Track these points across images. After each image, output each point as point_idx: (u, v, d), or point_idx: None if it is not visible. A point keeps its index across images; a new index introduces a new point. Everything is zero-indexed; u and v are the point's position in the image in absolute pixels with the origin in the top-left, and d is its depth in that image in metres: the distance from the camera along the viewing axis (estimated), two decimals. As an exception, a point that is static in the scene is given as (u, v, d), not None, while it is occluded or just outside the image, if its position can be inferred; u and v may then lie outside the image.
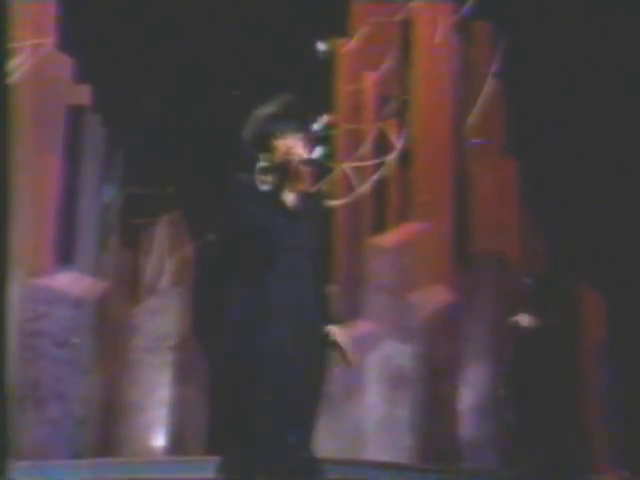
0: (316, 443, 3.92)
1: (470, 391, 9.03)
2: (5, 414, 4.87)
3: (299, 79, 8.10)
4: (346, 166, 9.61)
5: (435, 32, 9.46)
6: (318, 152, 9.36)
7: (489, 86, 9.48)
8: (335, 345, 3.99)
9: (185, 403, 9.43)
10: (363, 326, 9.15)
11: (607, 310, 9.04)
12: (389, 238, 9.40)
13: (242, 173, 4.06)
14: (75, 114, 9.12)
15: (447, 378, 9.01)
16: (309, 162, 4.05)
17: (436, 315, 9.12)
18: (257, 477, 3.82)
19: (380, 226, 9.60)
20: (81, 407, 8.64)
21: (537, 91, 8.97)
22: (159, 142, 9.81)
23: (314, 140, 4.28)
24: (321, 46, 10.04)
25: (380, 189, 9.60)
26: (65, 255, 8.91)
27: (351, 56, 9.83)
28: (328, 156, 9.69)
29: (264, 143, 4.01)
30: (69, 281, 8.74)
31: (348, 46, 9.83)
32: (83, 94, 9.22)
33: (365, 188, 9.57)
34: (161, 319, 9.52)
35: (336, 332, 3.99)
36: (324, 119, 9.81)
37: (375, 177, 9.58)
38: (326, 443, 7.17)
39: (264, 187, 3.99)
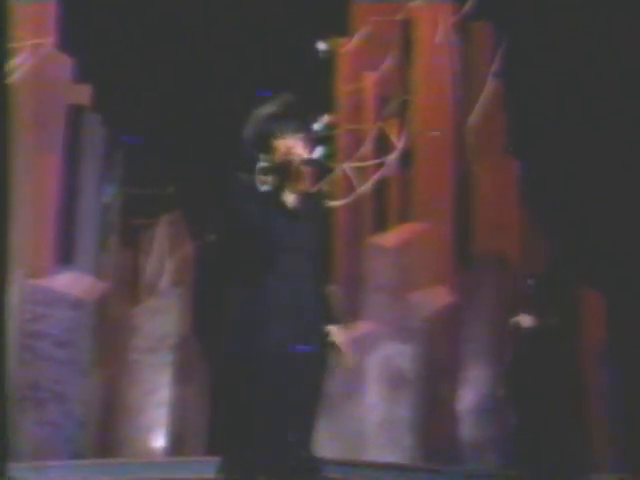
0: (316, 443, 3.92)
1: (470, 391, 9.01)
2: (5, 415, 4.87)
3: (299, 79, 8.08)
4: (346, 166, 9.60)
5: (435, 32, 9.44)
6: (318, 152, 9.34)
7: (490, 86, 9.47)
8: (332, 345, 3.98)
9: (185, 403, 9.41)
10: (363, 326, 9.14)
11: (607, 310, 9.02)
12: (389, 238, 9.39)
13: (242, 173, 4.05)
14: (75, 114, 9.11)
15: (447, 378, 9.00)
16: (309, 162, 4.05)
17: (436, 315, 9.11)
18: (257, 477, 3.83)
19: (380, 226, 9.59)
20: (81, 408, 8.63)
21: (538, 91, 8.95)
22: (159, 142, 9.79)
23: (314, 140, 4.26)
24: (321, 46, 10.02)
25: (380, 189, 9.59)
26: (65, 255, 8.90)
27: (351, 56, 9.82)
28: (328, 156, 9.67)
29: (264, 143, 4.01)
30: (69, 281, 8.73)
31: (348, 46, 9.81)
32: (83, 94, 9.22)
33: (365, 188, 9.56)
34: (161, 319, 9.51)
35: (334, 332, 3.99)
36: (324, 119, 9.79)
37: (375, 177, 9.57)
38: (326, 443, 7.19)
39: (264, 187, 3.99)
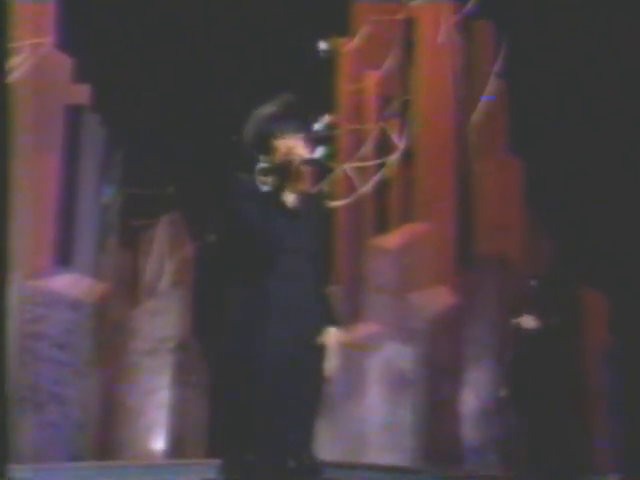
0: (316, 445, 3.90)
1: (472, 393, 8.99)
2: (5, 416, 4.85)
3: (300, 79, 8.06)
4: (347, 166, 9.59)
5: (437, 31, 9.43)
6: (319, 152, 9.32)
7: (492, 85, 9.44)
8: (325, 347, 3.96)
9: (185, 405, 9.39)
10: (364, 327, 9.13)
11: (609, 311, 9.01)
12: (391, 239, 9.38)
13: (242, 173, 4.03)
14: (74, 114, 9.10)
15: (448, 379, 8.98)
16: (310, 162, 4.04)
17: (438, 316, 9.09)
18: (258, 479, 3.79)
19: (382, 227, 9.58)
20: (80, 410, 8.61)
21: (540, 90, 8.93)
22: (159, 142, 9.77)
23: (315, 140, 4.24)
24: (322, 45, 10.01)
25: (382, 189, 9.58)
26: (64, 256, 8.88)
27: (352, 55, 9.81)
28: (329, 156, 9.66)
29: (265, 143, 4.00)
30: (68, 283, 8.71)
31: (349, 45, 9.81)
32: (82, 94, 9.21)
33: (367, 188, 9.55)
34: (161, 321, 9.49)
35: (328, 334, 3.97)
36: (325, 119, 9.78)
37: (377, 177, 9.56)
38: (327, 445, 7.17)
39: (264, 188, 3.97)
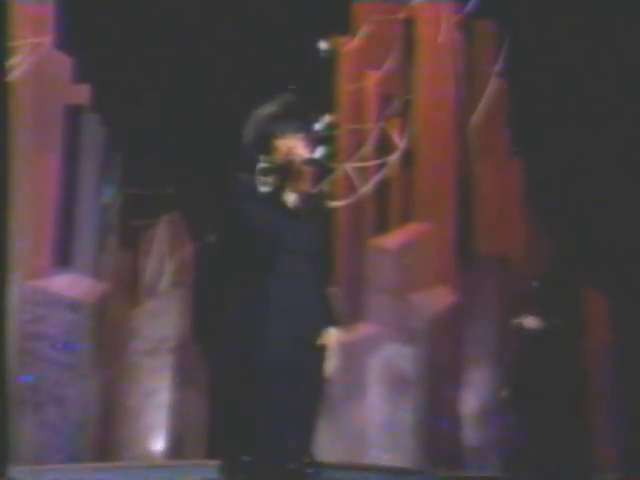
0: (317, 446, 3.90)
1: (473, 393, 8.98)
2: (6, 416, 4.85)
3: (300, 78, 8.04)
4: (348, 166, 9.58)
5: (438, 31, 9.42)
6: (319, 152, 9.31)
7: (493, 85, 9.43)
8: (325, 347, 3.95)
9: (185, 406, 9.38)
10: (365, 328, 9.13)
11: (611, 311, 9.00)
12: (391, 239, 9.37)
13: (242, 174, 4.03)
14: (74, 114, 9.09)
15: (449, 380, 8.97)
16: (311, 162, 4.04)
17: (438, 316, 9.08)
18: (258, 480, 3.79)
19: (382, 227, 9.57)
20: (80, 410, 8.60)
21: (541, 90, 8.92)
22: (159, 142, 9.76)
23: (315, 140, 4.25)
24: (322, 45, 10.00)
25: (382, 190, 9.57)
26: (63, 256, 8.87)
27: (353, 55, 9.80)
28: (330, 156, 9.64)
29: (265, 143, 4.01)
30: (67, 283, 8.70)
31: (350, 45, 9.79)
32: (82, 94, 9.20)
33: (367, 189, 9.54)
34: (161, 321, 9.48)
35: (328, 334, 3.96)
36: (326, 119, 9.77)
37: (377, 177, 9.54)
38: (327, 446, 7.15)
39: (265, 188, 3.97)
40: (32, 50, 8.82)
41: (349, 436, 8.98)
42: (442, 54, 9.47)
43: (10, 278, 6.79)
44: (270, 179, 3.98)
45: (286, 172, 3.97)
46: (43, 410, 8.41)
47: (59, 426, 8.46)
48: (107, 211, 9.54)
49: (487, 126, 9.47)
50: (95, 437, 8.87)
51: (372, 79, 9.73)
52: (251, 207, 3.93)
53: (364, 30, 9.70)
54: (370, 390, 9.05)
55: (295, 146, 3.99)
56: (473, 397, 8.98)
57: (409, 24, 9.68)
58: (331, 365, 3.95)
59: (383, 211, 9.61)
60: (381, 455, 8.82)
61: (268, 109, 4.06)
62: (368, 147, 9.62)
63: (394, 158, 9.53)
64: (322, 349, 3.93)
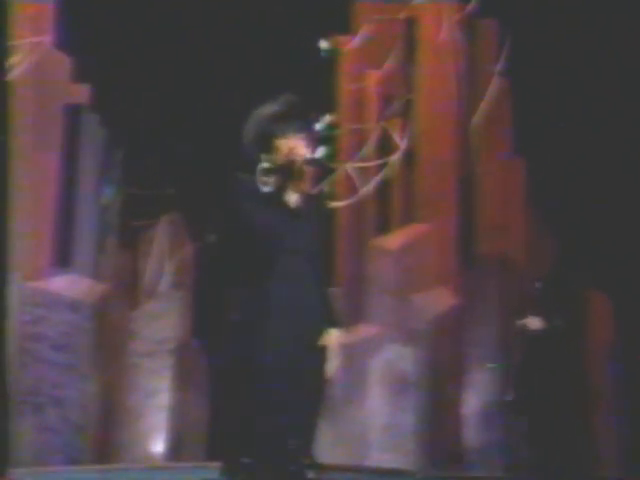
0: (317, 447, 3.89)
1: (474, 394, 8.96)
2: (6, 417, 4.84)
3: (301, 78, 8.03)
4: (349, 166, 9.56)
5: (439, 30, 9.39)
6: (320, 152, 9.29)
7: (494, 85, 9.41)
8: (325, 347, 3.93)
9: (185, 408, 9.37)
10: (366, 329, 9.11)
11: (614, 312, 8.98)
12: (392, 240, 9.35)
13: (243, 174, 4.02)
14: (73, 114, 9.08)
15: (451, 382, 8.95)
16: (312, 162, 4.02)
17: (440, 317, 9.06)
18: (258, 481, 3.77)
19: (383, 227, 9.55)
20: (80, 412, 8.58)
21: (544, 89, 8.90)
22: (159, 142, 9.75)
23: (316, 140, 4.24)
24: (323, 44, 9.98)
25: (383, 190, 9.55)
26: (63, 257, 8.84)
27: (354, 54, 9.78)
28: (330, 156, 9.63)
29: (266, 143, 4.01)
30: (67, 284, 8.68)
31: (351, 44, 9.78)
32: (82, 93, 9.19)
33: (368, 189, 9.52)
34: (161, 322, 9.47)
35: (329, 335, 3.94)
36: (326, 119, 9.75)
37: (378, 178, 9.52)
38: (328, 447, 7.13)
39: (265, 188, 3.95)
40: (32, 50, 8.80)
41: (350, 437, 8.97)
42: (443, 53, 9.44)
43: (10, 278, 6.78)
44: (271, 179, 3.97)
45: (287, 172, 3.96)
46: (42, 411, 8.39)
47: (59, 428, 8.44)
48: (107, 211, 9.52)
49: (488, 126, 9.44)
50: (95, 439, 8.84)
51: (373, 79, 9.71)
52: (251, 207, 3.93)
53: (365, 29, 9.68)
54: (371, 391, 9.04)
55: (296, 146, 3.99)
56: (475, 398, 8.96)
57: (410, 23, 9.66)
58: (332, 366, 3.94)
59: (384, 211, 9.59)
60: (382, 456, 8.80)
61: (269, 109, 4.06)
62: (369, 147, 9.60)
63: (395, 158, 9.51)
64: (323, 350, 3.92)
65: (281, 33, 9.56)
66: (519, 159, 9.38)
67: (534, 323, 7.04)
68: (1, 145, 5.98)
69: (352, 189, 9.56)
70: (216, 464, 3.91)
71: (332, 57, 9.91)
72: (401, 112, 9.58)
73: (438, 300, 9.11)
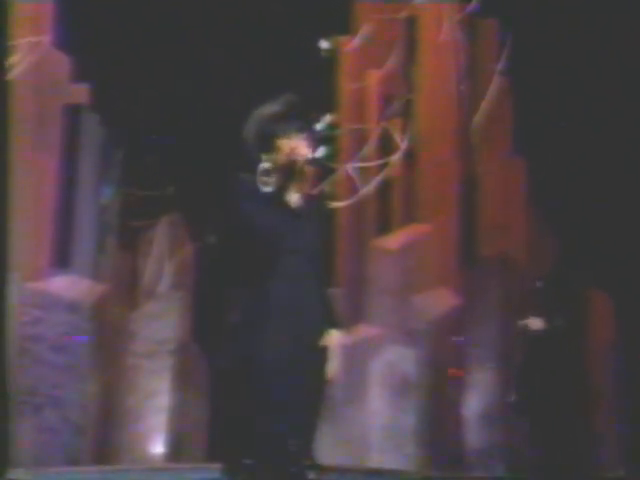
0: (318, 448, 3.86)
1: (475, 395, 8.95)
2: (6, 418, 4.82)
3: (301, 78, 8.01)
4: (349, 166, 9.54)
5: (440, 30, 9.38)
6: (321, 152, 9.27)
7: (495, 84, 9.40)
8: (325, 348, 3.91)
9: (185, 409, 9.36)
10: (366, 329, 9.10)
11: (615, 311, 8.98)
12: (393, 240, 9.34)
13: (243, 174, 4.00)
14: (73, 113, 9.06)
15: (452, 381, 8.94)
16: (314, 162, 4.00)
17: (440, 317, 9.05)
18: (258, 482, 3.75)
19: (384, 228, 9.54)
20: (79, 413, 8.57)
21: (544, 89, 8.89)
22: (159, 142, 9.74)
23: (317, 140, 4.22)
24: (324, 44, 9.97)
25: (384, 190, 9.54)
26: (62, 257, 8.83)
27: (354, 54, 9.78)
28: (331, 156, 9.61)
29: (267, 143, 3.98)
30: (66, 284, 8.66)
31: (351, 44, 9.78)
32: (81, 93, 9.19)
33: (368, 189, 9.50)
34: (160, 323, 9.46)
35: (330, 335, 3.92)
36: (327, 119, 9.74)
37: (379, 178, 9.51)
38: (328, 448, 7.11)
39: (266, 188, 3.94)
40: (31, 49, 8.79)
41: (350, 438, 8.95)
42: (444, 53, 9.43)
43: (9, 278, 6.75)
44: (272, 179, 3.95)
45: (289, 172, 3.94)
46: (42, 412, 8.38)
47: (58, 428, 8.43)
48: (106, 211, 9.51)
49: (489, 126, 9.43)
50: (94, 440, 8.84)
51: (373, 78, 9.70)
52: (252, 207, 3.90)
53: (365, 29, 9.67)
54: (372, 392, 9.03)
55: (298, 146, 3.97)
56: (476, 399, 8.95)
57: (410, 23, 9.65)
58: (332, 367, 3.92)
59: (385, 212, 9.57)
60: (383, 457, 8.79)
61: (270, 109, 4.03)
62: (369, 147, 9.59)
63: (396, 158, 9.50)
64: (323, 350, 3.90)
65: (281, 33, 9.55)
66: (520, 159, 9.37)
67: (535, 323, 7.03)
68: (1, 144, 5.95)
69: (352, 189, 9.55)
70: (216, 465, 3.88)
71: (332, 57, 9.91)
72: (401, 112, 9.57)
73: (439, 300, 9.09)
